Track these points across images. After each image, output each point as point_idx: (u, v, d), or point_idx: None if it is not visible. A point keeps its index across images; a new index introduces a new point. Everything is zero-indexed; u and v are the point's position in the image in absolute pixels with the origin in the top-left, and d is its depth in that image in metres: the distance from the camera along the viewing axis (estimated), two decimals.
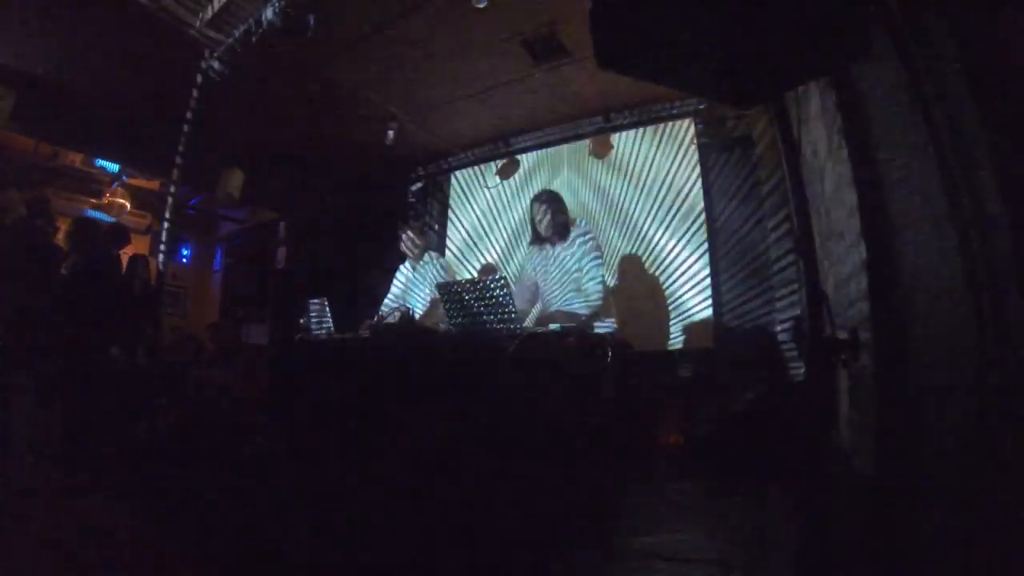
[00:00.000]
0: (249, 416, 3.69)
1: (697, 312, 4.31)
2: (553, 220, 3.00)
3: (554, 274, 3.03)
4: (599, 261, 2.97)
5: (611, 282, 4.34)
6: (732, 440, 3.01)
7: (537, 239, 3.13)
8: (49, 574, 1.74)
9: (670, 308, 4.37)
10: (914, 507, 1.25)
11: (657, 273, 4.47)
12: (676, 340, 4.30)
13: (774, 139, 3.53)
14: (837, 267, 2.06)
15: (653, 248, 4.57)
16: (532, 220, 3.11)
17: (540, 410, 2.21)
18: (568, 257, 2.98)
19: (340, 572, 1.60)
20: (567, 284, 2.96)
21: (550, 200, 3.05)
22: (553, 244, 3.05)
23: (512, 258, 5.29)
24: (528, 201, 5.26)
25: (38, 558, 1.86)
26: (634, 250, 4.61)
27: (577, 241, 2.99)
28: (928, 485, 1.20)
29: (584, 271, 2.94)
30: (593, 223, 4.61)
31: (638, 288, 4.46)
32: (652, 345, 4.20)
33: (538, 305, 3.24)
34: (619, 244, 4.63)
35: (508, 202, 5.49)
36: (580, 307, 2.87)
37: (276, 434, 3.21)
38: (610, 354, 2.69)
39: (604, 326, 2.93)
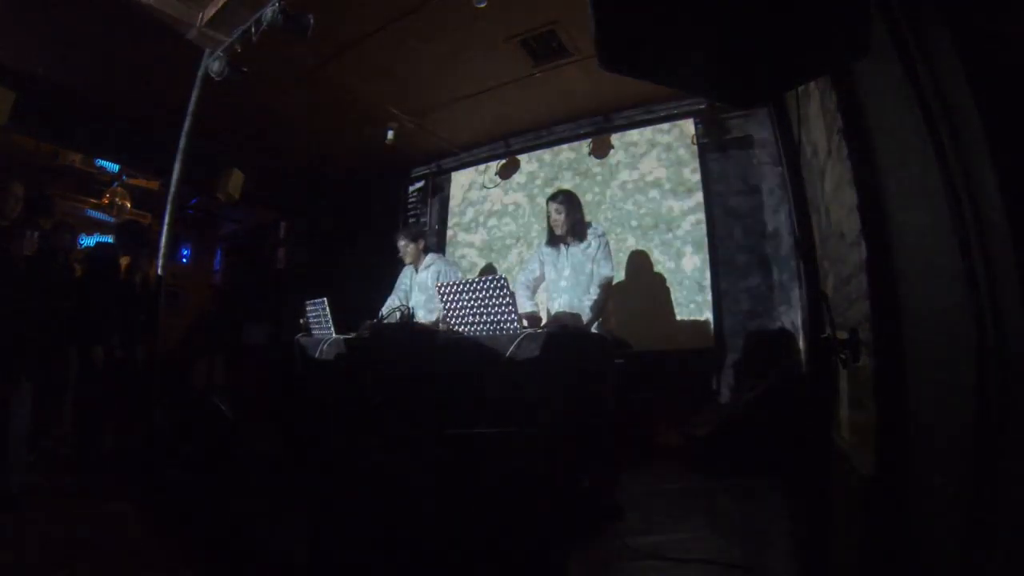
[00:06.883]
0: (248, 416, 3.68)
1: (697, 312, 4.31)
2: (568, 220, 3.01)
3: (567, 273, 3.04)
4: (608, 263, 2.99)
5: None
6: (732, 440, 3.02)
7: (553, 239, 3.14)
8: (49, 574, 1.74)
9: (670, 308, 4.37)
10: (914, 507, 1.25)
11: (657, 273, 4.47)
12: (676, 340, 4.30)
13: (774, 139, 3.53)
14: (837, 267, 2.06)
15: (653, 248, 4.57)
16: (548, 220, 3.11)
17: (538, 409, 2.21)
18: (584, 258, 3.00)
19: (339, 572, 1.60)
20: (580, 284, 2.97)
21: (566, 200, 3.06)
22: (568, 244, 3.07)
23: (511, 258, 5.29)
24: (528, 200, 5.35)
25: (39, 558, 1.86)
26: (634, 250, 4.61)
27: (593, 243, 3.01)
28: (928, 485, 1.20)
29: (594, 273, 2.97)
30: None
31: (638, 288, 4.46)
32: (652, 345, 4.20)
33: (543, 299, 3.24)
34: (619, 244, 4.62)
35: (508, 201, 5.49)
36: (586, 307, 2.87)
37: (275, 435, 3.21)
38: (604, 355, 2.69)
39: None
